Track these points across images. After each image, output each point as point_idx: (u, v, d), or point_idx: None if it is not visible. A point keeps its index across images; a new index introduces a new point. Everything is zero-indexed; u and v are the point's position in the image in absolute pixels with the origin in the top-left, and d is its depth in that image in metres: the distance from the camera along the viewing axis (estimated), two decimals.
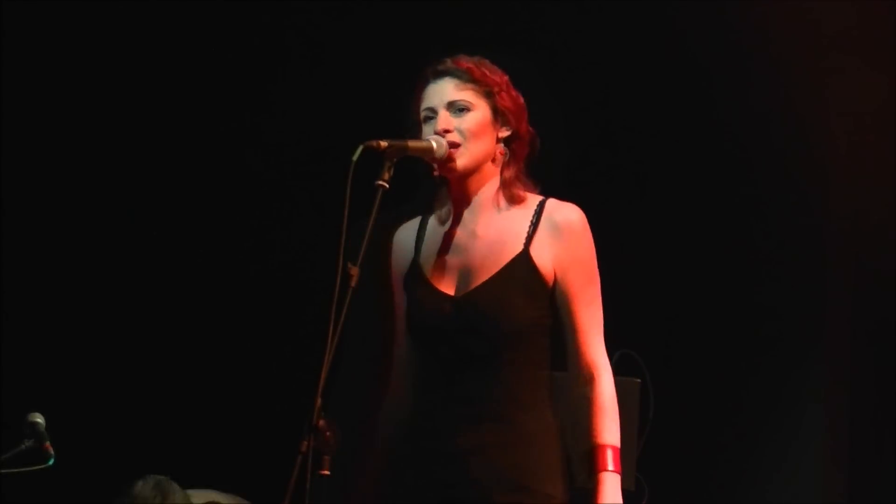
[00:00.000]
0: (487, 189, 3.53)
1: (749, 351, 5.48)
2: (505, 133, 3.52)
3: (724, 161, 5.51)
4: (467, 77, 3.50)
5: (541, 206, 3.50)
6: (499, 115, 3.51)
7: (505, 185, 3.51)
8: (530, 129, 3.56)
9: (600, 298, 3.49)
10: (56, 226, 5.30)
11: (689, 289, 5.50)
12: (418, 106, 3.53)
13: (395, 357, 3.62)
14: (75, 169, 5.32)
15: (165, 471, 5.03)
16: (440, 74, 3.51)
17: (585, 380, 3.44)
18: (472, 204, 3.53)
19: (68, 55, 5.29)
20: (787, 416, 5.46)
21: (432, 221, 3.60)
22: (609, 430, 3.42)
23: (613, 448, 3.41)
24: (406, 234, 3.62)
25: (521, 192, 3.51)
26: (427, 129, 3.49)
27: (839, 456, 5.43)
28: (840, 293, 5.49)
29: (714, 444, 5.44)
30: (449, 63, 3.52)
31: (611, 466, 3.40)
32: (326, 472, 3.26)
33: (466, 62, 3.52)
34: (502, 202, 3.51)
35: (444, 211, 3.57)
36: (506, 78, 3.55)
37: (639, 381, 4.93)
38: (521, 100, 3.56)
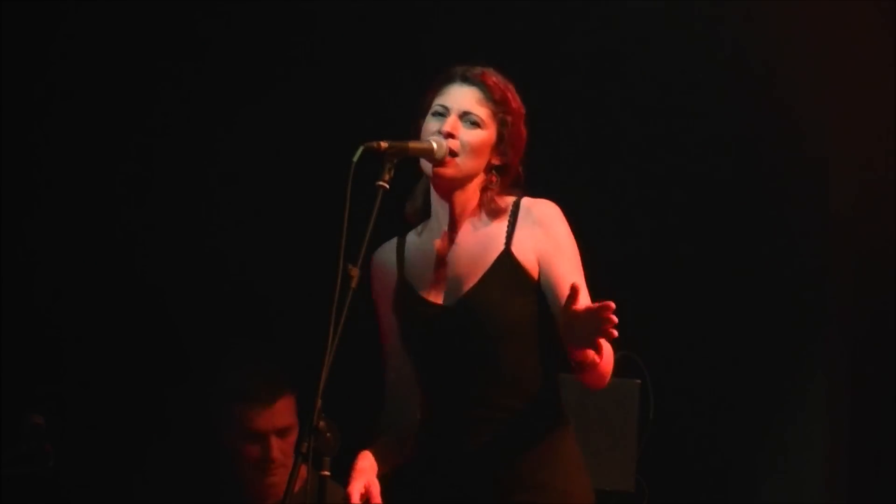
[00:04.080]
0: (469, 202, 3.55)
1: (749, 351, 5.47)
2: (497, 161, 3.54)
3: (723, 162, 5.50)
4: (490, 96, 3.51)
5: (516, 205, 3.54)
6: (500, 144, 3.53)
7: (484, 204, 3.53)
8: (520, 165, 3.57)
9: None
10: (57, 225, 5.29)
11: (688, 290, 5.49)
12: (433, 97, 3.54)
13: (388, 378, 3.63)
14: (75, 169, 5.31)
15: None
16: (468, 81, 3.52)
17: None
18: (453, 217, 3.55)
19: (66, 53, 5.29)
20: (788, 416, 5.46)
21: (411, 238, 3.63)
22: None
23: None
24: (385, 256, 3.64)
25: (501, 205, 3.54)
26: (431, 122, 3.51)
27: (839, 456, 5.43)
28: (840, 293, 5.49)
29: (714, 445, 5.44)
30: (479, 73, 3.53)
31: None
32: (327, 473, 3.26)
33: (495, 80, 3.53)
34: (482, 216, 3.54)
35: (418, 216, 3.61)
36: (523, 111, 3.57)
37: (639, 382, 4.94)
38: (525, 134, 3.57)
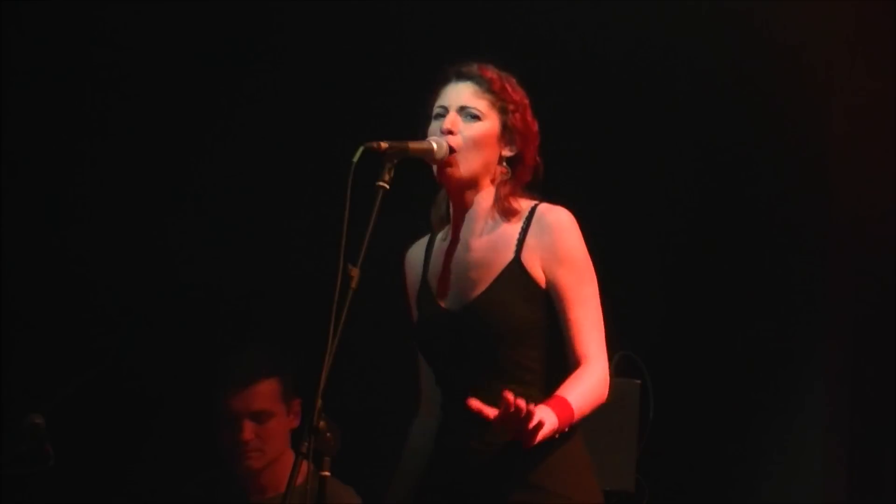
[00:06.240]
0: (484, 201, 3.53)
1: (749, 351, 5.48)
2: (508, 153, 3.51)
3: (723, 162, 5.51)
4: (487, 87, 3.50)
5: (531, 212, 3.51)
6: (506, 133, 3.50)
7: (498, 200, 3.51)
8: (538, 157, 3.55)
9: (597, 298, 3.47)
10: (57, 225, 5.30)
11: (688, 290, 5.50)
12: (434, 101, 3.54)
13: (422, 375, 3.67)
14: (76, 169, 5.31)
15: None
16: (462, 77, 3.52)
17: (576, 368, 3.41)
18: (468, 216, 3.54)
19: (65, 52, 5.29)
20: (788, 416, 5.46)
21: (438, 237, 3.63)
22: (575, 392, 3.33)
23: (568, 404, 3.31)
24: (416, 253, 3.66)
25: (516, 206, 3.51)
26: (435, 125, 3.51)
27: (839, 456, 5.43)
28: (840, 293, 5.49)
29: (714, 445, 5.44)
30: (474, 68, 3.52)
31: (556, 411, 3.28)
32: (327, 473, 3.26)
33: (491, 72, 3.52)
34: (496, 215, 3.52)
35: (442, 224, 3.60)
36: (527, 101, 3.55)
37: (639, 382, 4.93)
38: (535, 127, 3.55)
